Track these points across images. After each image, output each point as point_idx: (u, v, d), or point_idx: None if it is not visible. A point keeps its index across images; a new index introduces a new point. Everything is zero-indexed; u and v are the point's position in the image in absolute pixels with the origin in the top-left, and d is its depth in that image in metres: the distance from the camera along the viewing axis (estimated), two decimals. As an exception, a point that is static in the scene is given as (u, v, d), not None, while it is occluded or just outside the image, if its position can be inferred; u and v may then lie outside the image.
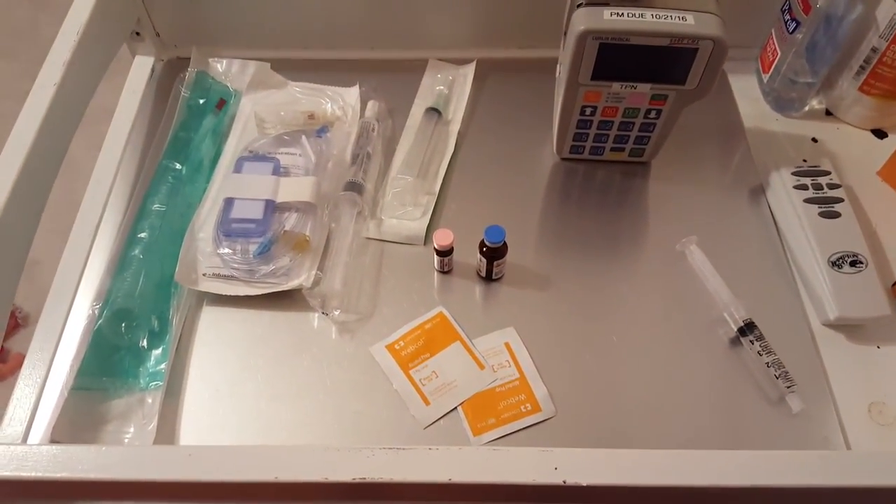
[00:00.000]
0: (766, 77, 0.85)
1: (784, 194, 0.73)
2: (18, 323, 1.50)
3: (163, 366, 0.63)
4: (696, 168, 0.80)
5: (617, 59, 0.66)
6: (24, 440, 0.60)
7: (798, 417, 0.62)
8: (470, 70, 0.88)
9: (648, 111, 0.72)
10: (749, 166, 0.80)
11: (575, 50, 0.65)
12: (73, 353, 0.64)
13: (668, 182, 0.79)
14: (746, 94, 0.87)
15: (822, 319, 0.68)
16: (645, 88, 0.69)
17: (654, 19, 0.64)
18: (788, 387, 0.63)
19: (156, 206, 0.71)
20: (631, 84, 0.69)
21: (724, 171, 0.80)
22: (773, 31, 0.82)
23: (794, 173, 0.74)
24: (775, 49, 0.82)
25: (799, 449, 0.61)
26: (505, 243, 0.66)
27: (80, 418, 0.61)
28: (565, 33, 0.70)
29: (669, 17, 0.64)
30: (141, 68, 0.87)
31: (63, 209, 0.77)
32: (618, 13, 0.64)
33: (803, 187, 0.73)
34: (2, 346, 1.32)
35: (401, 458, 0.49)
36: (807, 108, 0.85)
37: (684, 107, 0.71)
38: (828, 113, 0.85)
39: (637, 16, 0.64)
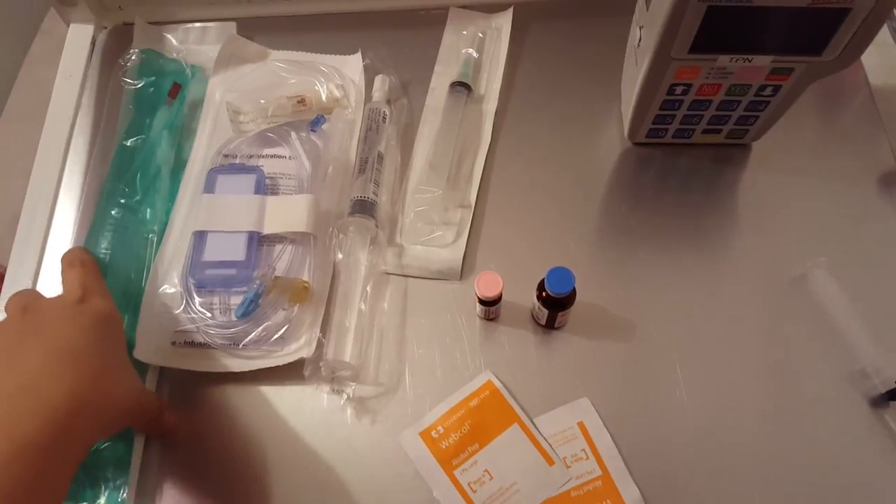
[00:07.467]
0: (902, 16, 0.63)
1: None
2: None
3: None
4: (813, 148, 0.61)
5: (730, 26, 0.46)
6: None
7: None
8: (505, 19, 0.66)
9: (763, 87, 0.52)
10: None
11: (670, 15, 0.45)
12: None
13: (773, 171, 0.60)
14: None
15: None
16: (764, 61, 0.49)
17: (792, -33, 0.43)
18: (962, 477, 0.47)
19: (102, 250, 0.54)
20: (746, 56, 0.49)
21: (853, 151, 0.60)
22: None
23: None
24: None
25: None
26: (574, 290, 0.49)
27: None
28: (648, -18, 0.49)
29: (813, -37, 0.43)
30: (78, 41, 0.66)
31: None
32: (736, -41, 0.43)
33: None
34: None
35: None
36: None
37: (812, 82, 0.51)
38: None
39: (765, -37, 0.43)
